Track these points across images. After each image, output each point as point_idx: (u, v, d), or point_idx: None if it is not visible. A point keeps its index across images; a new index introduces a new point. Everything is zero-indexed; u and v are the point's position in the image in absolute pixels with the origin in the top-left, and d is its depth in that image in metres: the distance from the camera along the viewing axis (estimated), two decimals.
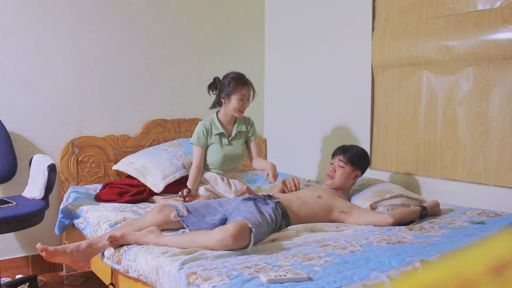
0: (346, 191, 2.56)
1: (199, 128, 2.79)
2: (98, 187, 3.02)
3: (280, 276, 1.50)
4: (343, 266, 1.63)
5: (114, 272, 2.22)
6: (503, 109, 2.42)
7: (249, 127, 2.88)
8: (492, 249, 0.37)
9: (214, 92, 2.84)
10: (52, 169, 2.50)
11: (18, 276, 2.90)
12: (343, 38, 3.21)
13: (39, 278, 2.94)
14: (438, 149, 2.71)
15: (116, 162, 3.19)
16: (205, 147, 2.80)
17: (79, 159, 3.11)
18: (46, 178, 2.50)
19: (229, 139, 2.82)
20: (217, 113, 2.85)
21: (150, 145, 3.33)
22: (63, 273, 3.11)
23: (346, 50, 3.19)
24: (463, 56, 2.55)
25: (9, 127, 2.86)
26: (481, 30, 2.45)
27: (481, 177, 2.51)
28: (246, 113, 2.86)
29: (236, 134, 2.83)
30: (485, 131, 2.49)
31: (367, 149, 3.05)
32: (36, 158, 2.66)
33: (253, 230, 1.86)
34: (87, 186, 3.08)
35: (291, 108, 3.67)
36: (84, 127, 3.17)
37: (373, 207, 2.43)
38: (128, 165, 3.05)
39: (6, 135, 2.80)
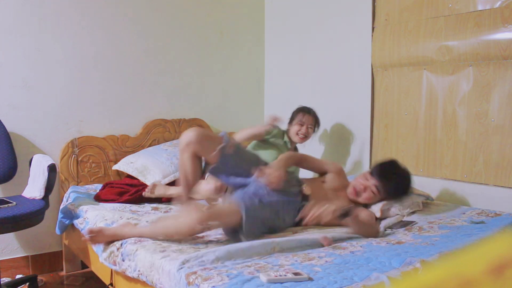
0: None
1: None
2: (98, 187, 3.02)
3: (280, 276, 1.50)
4: (344, 266, 1.63)
5: (113, 272, 2.22)
6: (503, 109, 2.42)
7: None
8: (492, 249, 0.37)
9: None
10: (52, 169, 2.50)
11: (18, 276, 2.89)
12: (343, 38, 3.21)
13: (39, 278, 2.93)
14: (438, 149, 2.71)
15: (116, 162, 3.19)
16: (263, 138, 2.96)
17: (79, 159, 3.11)
18: (46, 178, 2.50)
19: None
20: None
21: (150, 145, 3.33)
22: (63, 273, 3.11)
23: (346, 50, 3.19)
24: (463, 56, 2.55)
25: (9, 127, 2.86)
26: (481, 30, 2.45)
27: (481, 177, 2.51)
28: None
29: None
30: (485, 131, 2.49)
31: (367, 149, 3.05)
32: (36, 158, 2.66)
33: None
34: (87, 186, 3.08)
35: (291, 108, 3.66)
36: (84, 127, 3.17)
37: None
38: (128, 165, 3.05)
39: (6, 135, 2.79)
